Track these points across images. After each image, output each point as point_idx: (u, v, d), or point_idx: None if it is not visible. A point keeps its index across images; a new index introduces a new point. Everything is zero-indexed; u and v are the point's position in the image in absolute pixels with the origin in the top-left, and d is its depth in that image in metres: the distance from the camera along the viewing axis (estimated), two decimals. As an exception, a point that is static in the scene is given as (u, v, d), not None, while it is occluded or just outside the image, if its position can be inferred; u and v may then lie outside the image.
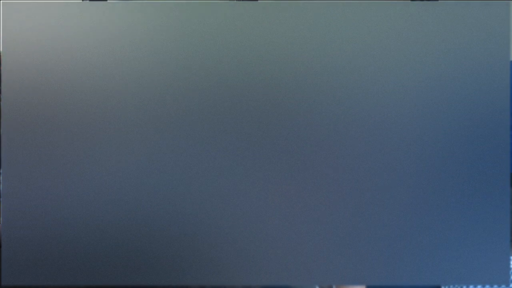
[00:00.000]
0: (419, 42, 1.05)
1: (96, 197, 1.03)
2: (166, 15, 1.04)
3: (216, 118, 1.04)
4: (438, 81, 1.05)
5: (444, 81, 1.05)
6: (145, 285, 1.04)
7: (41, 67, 1.03)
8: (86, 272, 1.03)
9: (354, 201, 1.05)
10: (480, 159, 1.05)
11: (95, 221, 1.03)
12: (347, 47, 1.05)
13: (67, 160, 1.03)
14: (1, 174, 1.05)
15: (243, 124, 1.04)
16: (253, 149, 1.04)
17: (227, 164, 1.04)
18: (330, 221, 1.05)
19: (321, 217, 1.05)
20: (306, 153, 1.04)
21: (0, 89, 1.09)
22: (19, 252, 1.03)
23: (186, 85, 1.04)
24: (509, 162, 1.06)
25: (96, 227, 1.03)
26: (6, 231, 1.03)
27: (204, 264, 1.04)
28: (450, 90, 1.05)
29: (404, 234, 1.05)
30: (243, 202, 1.04)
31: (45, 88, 1.03)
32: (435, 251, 1.06)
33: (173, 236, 1.03)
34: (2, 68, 1.03)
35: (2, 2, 1.05)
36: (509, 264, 1.06)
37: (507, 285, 1.08)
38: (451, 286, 1.30)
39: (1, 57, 1.04)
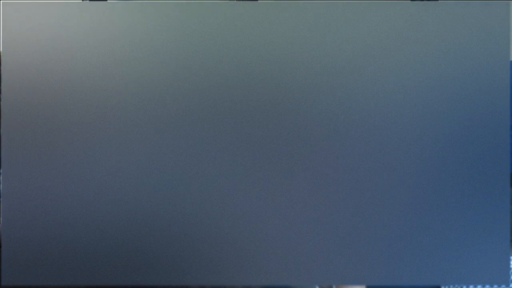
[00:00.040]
0: (419, 42, 1.05)
1: (96, 197, 1.03)
2: (166, 15, 1.04)
3: (216, 118, 1.04)
4: (438, 81, 1.05)
5: (444, 81, 1.05)
6: (145, 285, 1.04)
7: (41, 67, 1.03)
8: (86, 272, 1.03)
9: (354, 201, 1.05)
10: (480, 159, 1.05)
11: (95, 221, 1.03)
12: (347, 47, 1.05)
13: (67, 160, 1.03)
14: (1, 174, 1.05)
15: (243, 124, 1.04)
16: (253, 149, 1.04)
17: (227, 164, 1.04)
18: (330, 221, 1.05)
19: (321, 217, 1.05)
20: (306, 153, 1.04)
21: (0, 89, 1.09)
22: (19, 252, 1.03)
23: (186, 85, 1.04)
24: (509, 162, 1.06)
25: (96, 227, 1.03)
26: (6, 231, 1.03)
27: (204, 264, 1.04)
28: (450, 90, 1.05)
29: (404, 234, 1.05)
30: (243, 202, 1.04)
31: (45, 88, 1.03)
32: (435, 251, 1.06)
33: (173, 236, 1.03)
34: (2, 68, 1.03)
35: (2, 2, 1.05)
36: (509, 264, 1.06)
37: (507, 285, 1.08)
38: (451, 286, 1.30)
39: (1, 57, 1.04)
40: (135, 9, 1.04)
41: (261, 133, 1.04)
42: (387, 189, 1.05)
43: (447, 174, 1.05)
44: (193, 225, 1.03)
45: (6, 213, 1.03)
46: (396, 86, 1.05)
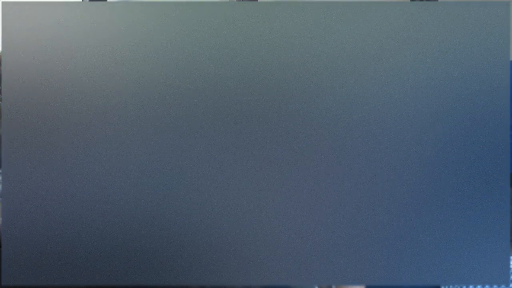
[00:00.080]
0: (419, 42, 1.05)
1: (96, 197, 1.03)
2: (166, 15, 1.04)
3: (216, 118, 1.04)
4: (438, 81, 1.05)
5: (444, 81, 1.05)
6: (145, 285, 1.04)
7: (41, 67, 1.03)
8: (86, 272, 1.03)
9: (354, 201, 1.05)
10: (480, 159, 1.05)
11: (95, 221, 1.03)
12: (347, 47, 1.05)
13: (67, 160, 1.03)
14: (1, 174, 1.05)
15: (243, 124, 1.04)
16: (253, 149, 1.04)
17: (227, 164, 1.04)
18: (330, 221, 1.05)
19: (321, 217, 1.05)
20: (305, 153, 1.04)
21: (0, 89, 1.09)
22: (19, 252, 1.03)
23: (186, 85, 1.04)
24: (509, 162, 1.06)
25: (96, 227, 1.03)
26: (6, 231, 1.03)
27: (204, 264, 1.04)
28: (450, 90, 1.05)
29: (404, 234, 1.05)
30: (243, 202, 1.04)
31: (45, 88, 1.03)
32: (435, 251, 1.06)
33: (173, 236, 1.03)
34: (2, 68, 1.03)
35: (2, 2, 1.05)
36: (509, 264, 1.06)
37: (507, 285, 1.08)
38: (451, 286, 1.30)
39: (1, 57, 1.04)
40: (135, 9, 1.04)
41: (261, 133, 1.04)
42: (387, 189, 1.05)
43: (447, 174, 1.05)
44: (193, 225, 1.03)
45: (6, 213, 1.03)
46: (396, 86, 1.05)
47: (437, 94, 1.05)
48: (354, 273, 1.05)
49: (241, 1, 1.06)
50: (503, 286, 1.24)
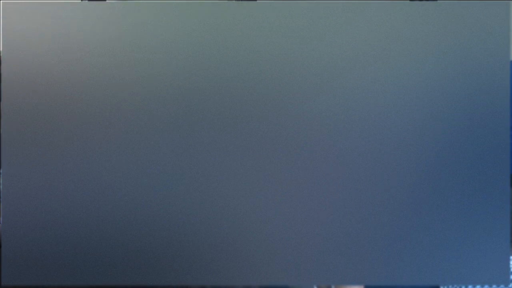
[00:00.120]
0: (419, 42, 1.05)
1: (96, 197, 1.03)
2: (166, 15, 1.04)
3: (216, 118, 1.04)
4: (438, 81, 1.05)
5: (444, 81, 1.05)
6: (145, 285, 1.04)
7: (41, 67, 1.03)
8: (86, 272, 1.03)
9: (354, 201, 1.05)
10: (480, 159, 1.05)
11: (95, 221, 1.03)
12: (347, 47, 1.05)
13: (67, 160, 1.03)
14: (1, 174, 1.05)
15: (242, 124, 1.04)
16: (253, 149, 1.04)
17: (227, 164, 1.04)
18: (329, 221, 1.05)
19: (320, 217, 1.05)
20: (305, 153, 1.04)
21: (0, 89, 1.09)
22: (19, 252, 1.03)
23: (186, 85, 1.04)
24: (509, 162, 1.06)
25: (96, 227, 1.03)
26: (6, 231, 1.03)
27: (204, 264, 1.04)
28: (450, 90, 1.05)
29: (404, 234, 1.05)
30: (242, 202, 1.04)
31: (45, 88, 1.03)
32: (435, 251, 1.06)
33: (173, 236, 1.03)
34: (2, 68, 1.03)
35: (2, 2, 1.05)
36: (509, 264, 1.06)
37: (507, 285, 1.08)
38: (451, 286, 1.30)
39: (1, 57, 1.04)
40: (135, 9, 1.04)
41: (261, 133, 1.04)
42: (386, 189, 1.05)
43: (447, 174, 1.05)
44: (193, 225, 1.04)
45: (6, 213, 1.03)
46: (396, 86, 1.05)
47: (437, 94, 1.05)
48: (354, 273, 1.05)
49: (241, 1, 1.06)
50: (503, 286, 1.24)
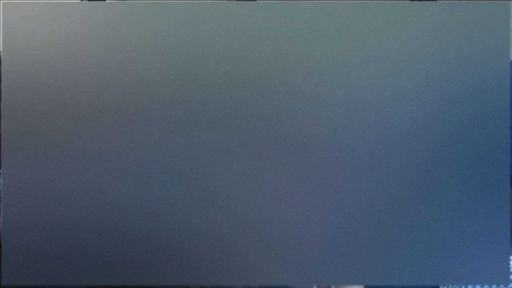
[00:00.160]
0: (419, 42, 1.05)
1: (96, 197, 1.03)
2: (166, 15, 1.04)
3: (216, 118, 1.04)
4: (438, 81, 1.05)
5: (444, 81, 1.05)
6: (145, 285, 1.04)
7: (41, 67, 1.03)
8: (86, 272, 1.03)
9: (354, 201, 1.05)
10: (480, 159, 1.05)
11: (95, 221, 1.03)
12: (346, 47, 1.05)
13: (67, 160, 1.03)
14: (1, 174, 1.05)
15: (242, 124, 1.04)
16: (253, 149, 1.04)
17: (227, 164, 1.04)
18: (329, 221, 1.05)
19: (320, 217, 1.05)
20: (305, 153, 1.04)
21: (0, 89, 1.09)
22: (19, 252, 1.03)
23: (186, 85, 1.04)
24: (509, 162, 1.06)
25: (96, 227, 1.03)
26: (6, 231, 1.03)
27: (204, 264, 1.04)
28: (450, 90, 1.05)
29: (403, 234, 1.05)
30: (242, 202, 1.04)
31: (45, 88, 1.03)
32: (435, 251, 1.06)
33: (173, 236, 1.03)
34: (2, 68, 1.03)
35: (2, 2, 1.05)
36: (509, 264, 1.06)
37: (507, 285, 1.08)
38: (451, 286, 1.30)
39: (1, 57, 1.04)
40: (135, 9, 1.04)
41: (261, 133, 1.04)
42: (386, 189, 1.05)
43: (447, 174, 1.05)
44: (193, 225, 1.04)
45: (6, 213, 1.03)
46: (396, 86, 1.05)
47: (437, 94, 1.05)
48: (353, 273, 1.05)
49: (241, 1, 1.06)
50: (502, 286, 1.24)
